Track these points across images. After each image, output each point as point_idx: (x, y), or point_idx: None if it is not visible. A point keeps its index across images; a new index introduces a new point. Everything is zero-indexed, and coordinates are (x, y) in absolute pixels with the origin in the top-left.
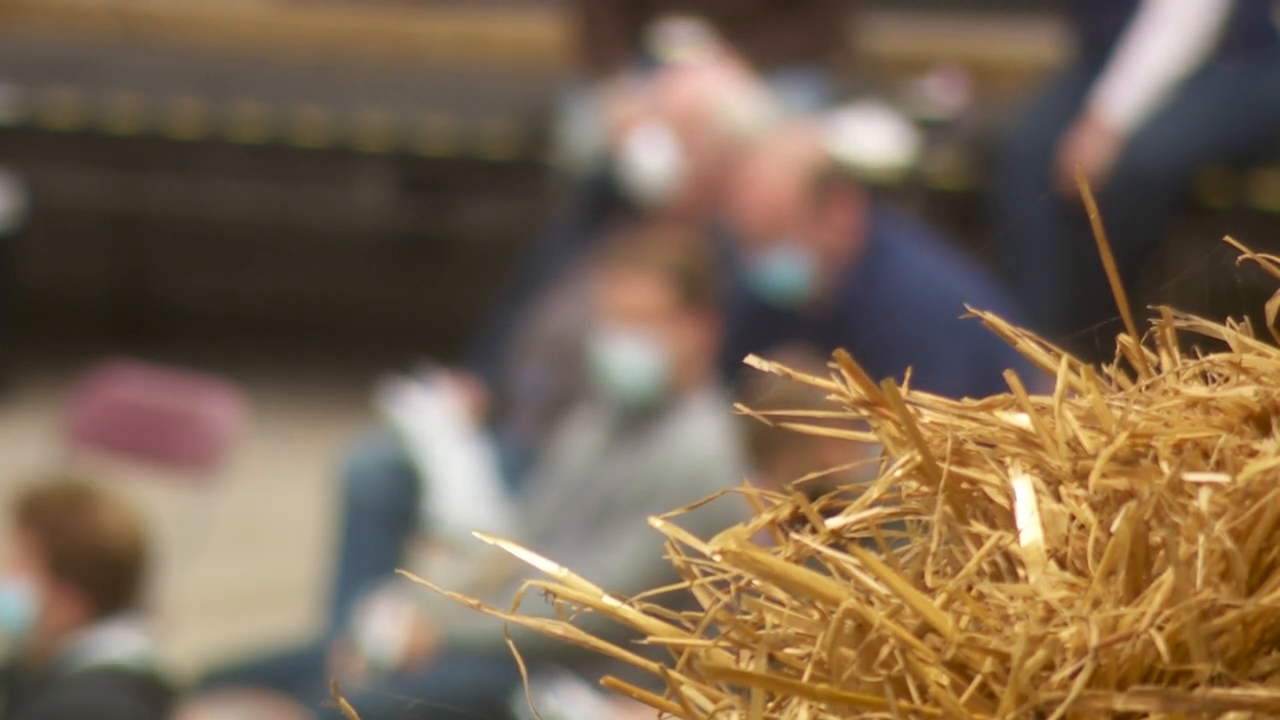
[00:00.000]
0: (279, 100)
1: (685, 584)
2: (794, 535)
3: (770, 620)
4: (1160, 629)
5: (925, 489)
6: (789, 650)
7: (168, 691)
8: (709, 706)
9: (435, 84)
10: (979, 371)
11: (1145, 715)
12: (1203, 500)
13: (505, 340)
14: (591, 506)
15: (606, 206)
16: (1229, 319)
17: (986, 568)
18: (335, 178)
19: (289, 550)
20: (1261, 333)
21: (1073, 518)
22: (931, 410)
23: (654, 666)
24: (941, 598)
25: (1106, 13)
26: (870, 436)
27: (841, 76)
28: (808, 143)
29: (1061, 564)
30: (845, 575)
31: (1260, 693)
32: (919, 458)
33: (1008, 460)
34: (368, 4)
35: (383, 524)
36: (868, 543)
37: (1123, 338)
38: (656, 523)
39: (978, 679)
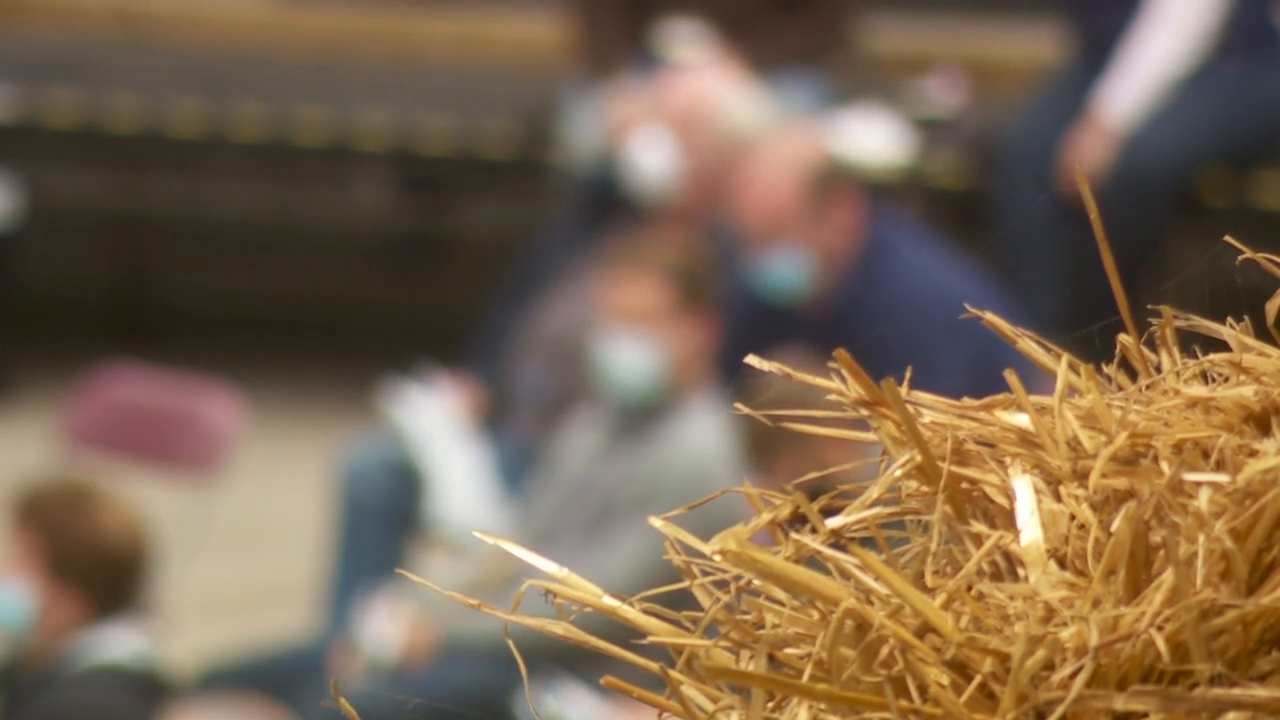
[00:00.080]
0: (279, 100)
1: (685, 584)
2: (794, 535)
3: (770, 620)
4: (1160, 629)
5: (925, 489)
6: (789, 650)
7: (167, 692)
8: (709, 706)
9: (435, 84)
10: (979, 371)
11: (1145, 715)
12: (1203, 500)
13: (505, 340)
14: (591, 506)
15: (606, 206)
16: (1229, 319)
17: (986, 568)
18: (335, 178)
19: (289, 550)
20: (1261, 333)
21: (1073, 518)
22: (931, 410)
23: (654, 666)
24: (941, 598)
25: (1106, 13)
26: (870, 436)
27: (841, 76)
28: (808, 143)
29: (1061, 564)
30: (845, 575)
31: (1260, 693)
32: (919, 458)
33: (1008, 460)
34: (368, 4)
35: (383, 524)
36: (868, 543)
37: (1123, 338)
38: (656, 523)
39: (978, 679)
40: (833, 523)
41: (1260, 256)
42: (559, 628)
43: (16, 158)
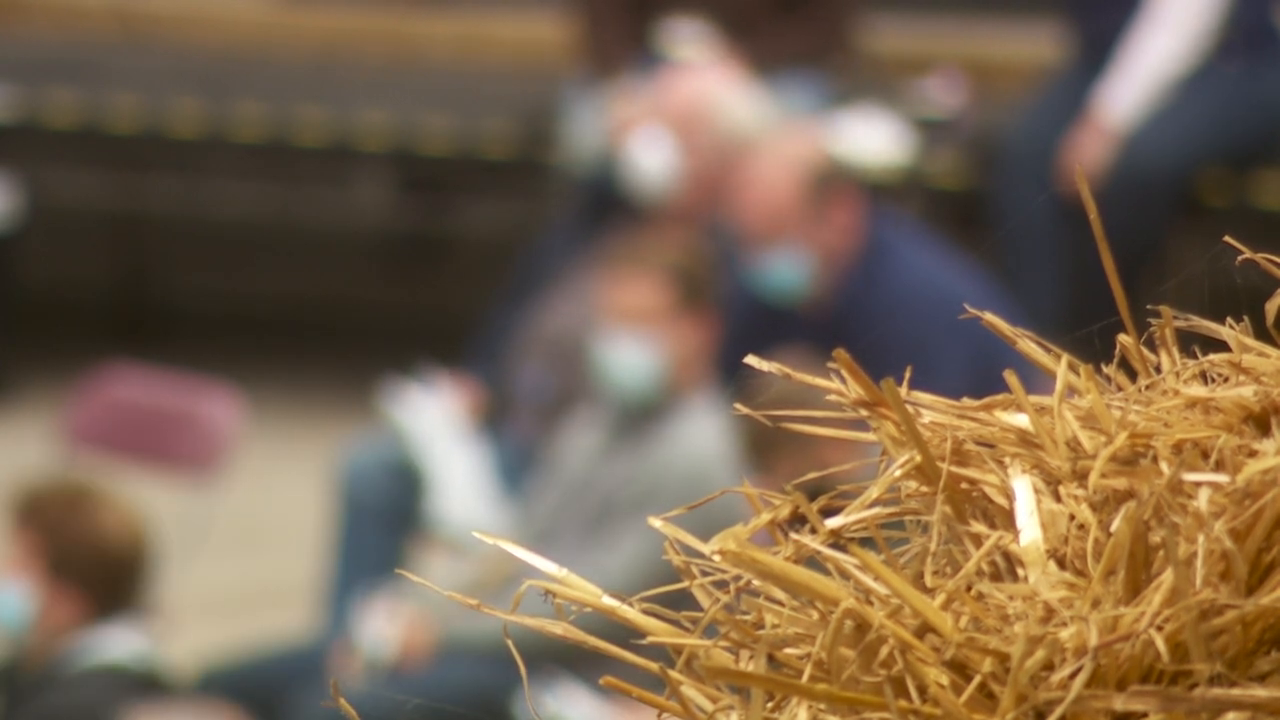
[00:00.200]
0: (279, 100)
1: (685, 584)
2: (794, 535)
3: (770, 620)
4: (1160, 629)
5: (925, 489)
6: (788, 650)
7: (167, 692)
8: (709, 706)
9: (435, 84)
10: (979, 371)
11: (1145, 715)
12: (1202, 500)
13: (505, 340)
14: (591, 506)
15: (606, 206)
16: (1229, 319)
17: (986, 568)
18: (335, 178)
19: (289, 550)
20: (1261, 333)
21: (1072, 518)
22: (931, 410)
23: (654, 666)
24: (941, 598)
25: (1106, 13)
26: (870, 436)
27: (842, 77)
28: (808, 143)
29: (1061, 564)
30: (845, 575)
31: (1260, 693)
32: (919, 458)
33: (1007, 460)
34: (368, 4)
35: (383, 524)
36: (867, 543)
37: (1122, 338)
38: (656, 523)
39: (977, 679)
40: (832, 523)
41: (1260, 256)
42: (559, 628)
43: (16, 158)
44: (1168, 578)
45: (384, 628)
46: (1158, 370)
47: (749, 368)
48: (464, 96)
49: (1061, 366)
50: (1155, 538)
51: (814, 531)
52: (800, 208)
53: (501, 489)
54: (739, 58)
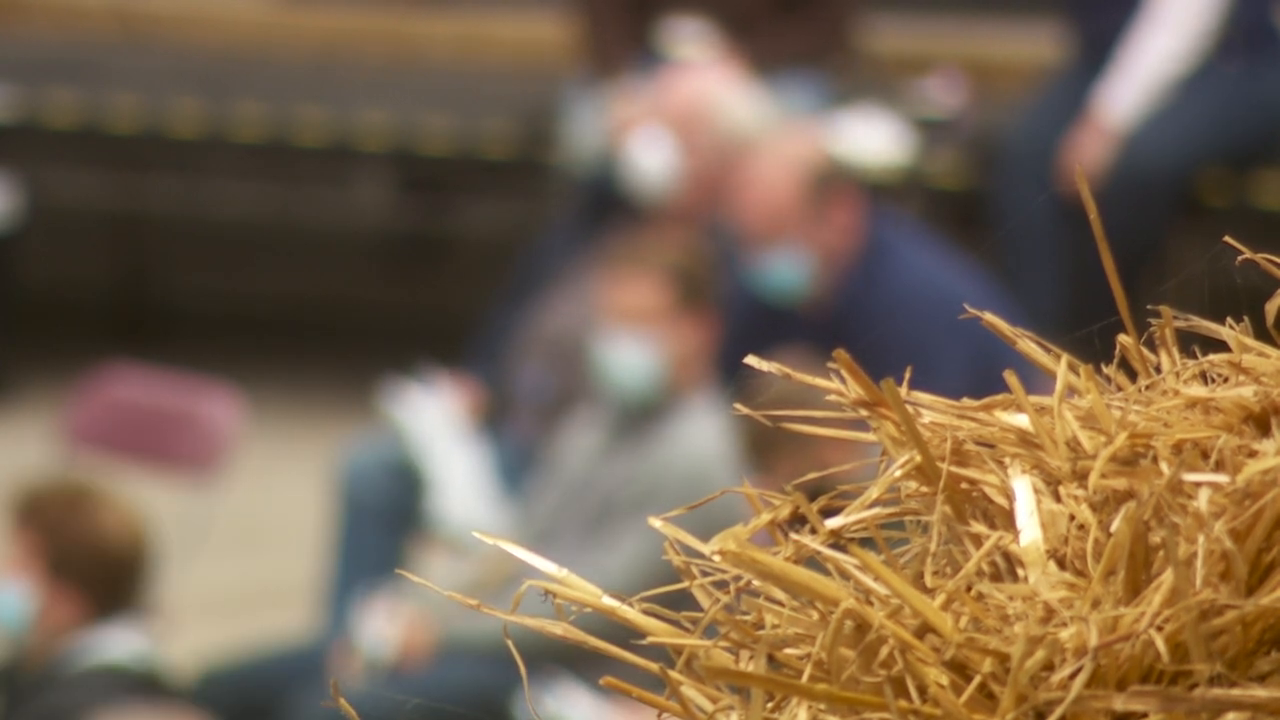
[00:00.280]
0: (279, 100)
1: (685, 584)
2: (794, 535)
3: (770, 620)
4: (1160, 629)
5: (925, 489)
6: (788, 650)
7: (168, 692)
8: (708, 707)
9: (435, 84)
10: (979, 371)
11: (1145, 715)
12: (1202, 500)
13: (505, 340)
14: (591, 506)
15: (606, 206)
16: (1229, 319)
17: (986, 568)
18: (335, 178)
19: (289, 550)
20: (1261, 333)
21: (1072, 518)
22: (931, 410)
23: (654, 667)
24: (941, 598)
25: (1106, 13)
26: (870, 437)
27: (842, 77)
28: (808, 143)
29: (1061, 564)
30: (845, 575)
31: (1260, 693)
32: (919, 458)
33: (1007, 460)
34: (368, 4)
35: (383, 524)
36: (867, 543)
37: (1122, 338)
38: (656, 523)
39: (977, 679)
40: (832, 523)
41: (1260, 256)
42: (558, 628)
43: (16, 158)
44: (1168, 578)
45: (384, 628)
46: (1158, 370)
47: (749, 368)
48: (464, 96)
49: (1061, 366)
50: (1155, 538)
51: (814, 531)
52: (800, 208)
53: (501, 489)
54: (739, 57)
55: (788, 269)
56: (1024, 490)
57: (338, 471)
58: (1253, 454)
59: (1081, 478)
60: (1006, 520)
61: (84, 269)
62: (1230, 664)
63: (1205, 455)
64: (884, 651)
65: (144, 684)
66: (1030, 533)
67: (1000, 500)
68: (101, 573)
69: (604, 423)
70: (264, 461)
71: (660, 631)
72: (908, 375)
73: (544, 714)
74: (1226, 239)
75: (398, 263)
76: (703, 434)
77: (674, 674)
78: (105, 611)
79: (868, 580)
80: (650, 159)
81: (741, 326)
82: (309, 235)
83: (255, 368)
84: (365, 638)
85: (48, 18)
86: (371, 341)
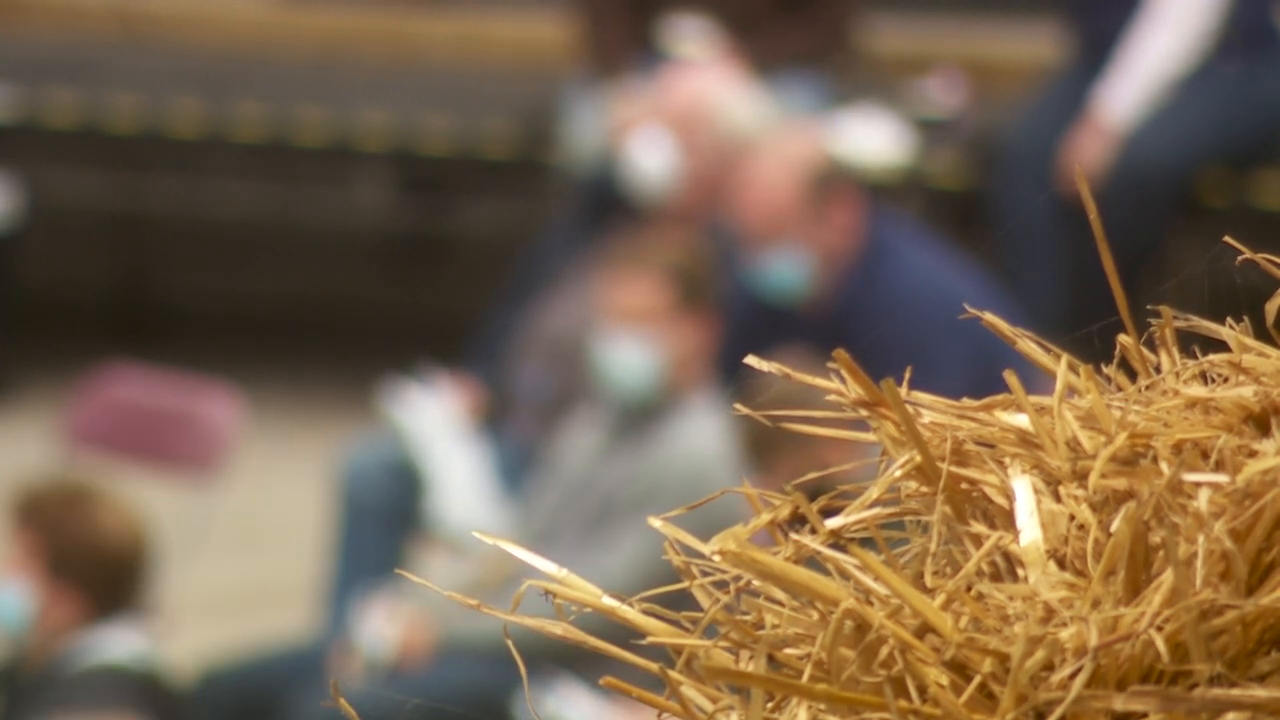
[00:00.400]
0: (279, 100)
1: (685, 584)
2: (794, 535)
3: (770, 620)
4: (1160, 629)
5: (925, 489)
6: (788, 650)
7: (168, 692)
8: (708, 707)
9: (435, 84)
10: (979, 371)
11: (1145, 715)
12: (1202, 500)
13: (505, 340)
14: (591, 506)
15: (606, 206)
16: (1229, 319)
17: (986, 568)
18: (335, 178)
19: (289, 550)
20: (1261, 333)
21: (1072, 518)
22: (931, 410)
23: (653, 667)
24: (941, 598)
25: (1106, 13)
26: (870, 436)
27: (842, 77)
28: (808, 143)
29: (1061, 564)
30: (845, 575)
31: (1260, 693)
32: (919, 458)
33: (1007, 460)
34: (368, 4)
35: (383, 524)
36: (867, 543)
37: (1122, 338)
38: (656, 523)
39: (977, 679)
40: (832, 523)
41: (1260, 256)
42: (558, 628)
43: (16, 158)
44: (1168, 578)
45: (384, 628)
46: (1158, 370)
47: (749, 368)
48: (464, 96)
49: (1061, 366)
50: (1155, 538)
51: (814, 531)
52: (800, 208)
53: (501, 489)
54: (739, 57)
55: (788, 269)
56: (1024, 490)
57: (338, 471)
58: (1253, 454)
59: (1081, 478)
60: (1006, 520)
61: (84, 269)
62: (1230, 664)
63: (1205, 455)
64: (884, 651)
65: (144, 684)
66: (1030, 533)
67: (1000, 500)
68: (101, 573)
69: (604, 423)
70: (264, 461)
71: (660, 631)
72: (908, 375)
73: (544, 714)
74: (1226, 239)
75: (398, 263)
76: (703, 434)
77: (674, 674)
78: (105, 611)
79: (868, 580)
80: (650, 159)
81: (741, 326)
82: (309, 235)
83: (255, 368)
84: (365, 638)
85: (48, 18)
86: (371, 341)
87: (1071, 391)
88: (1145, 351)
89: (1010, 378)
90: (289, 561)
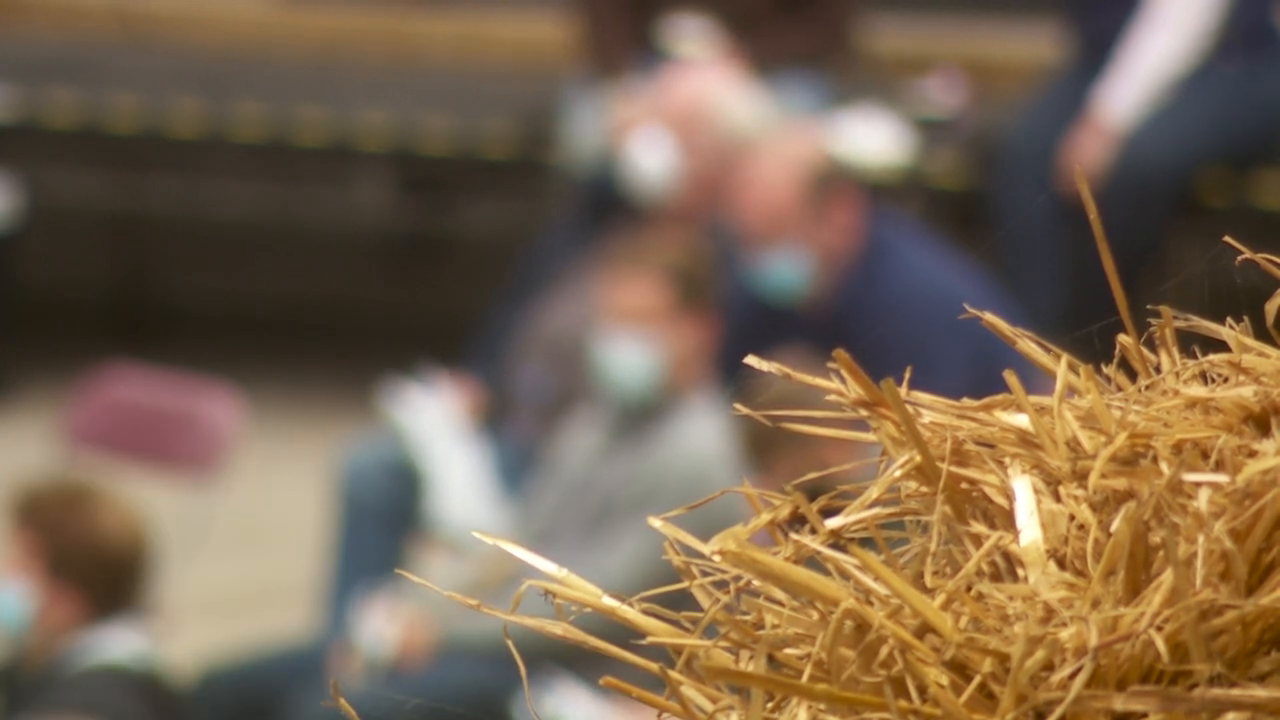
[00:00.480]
0: (279, 100)
1: (685, 584)
2: (793, 535)
3: (770, 620)
4: (1160, 629)
5: (925, 489)
6: (788, 650)
7: (168, 692)
8: (708, 706)
9: (435, 84)
10: (979, 371)
11: (1145, 715)
12: (1202, 500)
13: (505, 340)
14: (591, 506)
15: (606, 206)
16: (1229, 319)
17: (986, 568)
18: (335, 178)
19: (289, 550)
20: (1261, 333)
21: (1072, 518)
22: (931, 410)
23: (654, 667)
24: (941, 598)
25: (1106, 13)
26: (870, 436)
27: (842, 77)
28: (808, 143)
29: (1061, 564)
30: (845, 575)
31: (1260, 693)
32: (918, 458)
33: (1007, 460)
34: (368, 4)
35: (383, 524)
36: (867, 543)
37: (1122, 338)
38: (656, 523)
39: (977, 679)
40: (832, 523)
41: (1260, 256)
42: (558, 628)
43: (16, 158)
44: (1168, 578)
45: (384, 628)
46: (1158, 370)
47: (749, 368)
48: (464, 96)
49: (1061, 366)
50: (1155, 538)
51: (814, 531)
52: (800, 208)
53: (501, 489)
54: (740, 57)
55: (788, 269)
56: (1024, 490)
57: (338, 471)
58: (1253, 454)
59: (1081, 478)
60: (1006, 520)
61: (84, 269)
62: (1230, 664)
63: (1205, 455)
64: (884, 651)
65: (144, 684)
66: (1030, 533)
67: (1000, 500)
68: (101, 573)
69: (604, 423)
70: (264, 461)
71: (660, 631)
72: (908, 375)
73: (544, 714)
74: (1226, 239)
75: (398, 263)
76: (702, 434)
77: (674, 674)
78: (105, 611)
79: (868, 580)
80: (650, 159)
81: (741, 326)
82: (309, 235)
83: (255, 368)
84: (365, 638)
85: (48, 18)
86: (371, 341)
87: (1071, 391)
88: (1145, 351)
89: (1010, 378)
90: (289, 561)
